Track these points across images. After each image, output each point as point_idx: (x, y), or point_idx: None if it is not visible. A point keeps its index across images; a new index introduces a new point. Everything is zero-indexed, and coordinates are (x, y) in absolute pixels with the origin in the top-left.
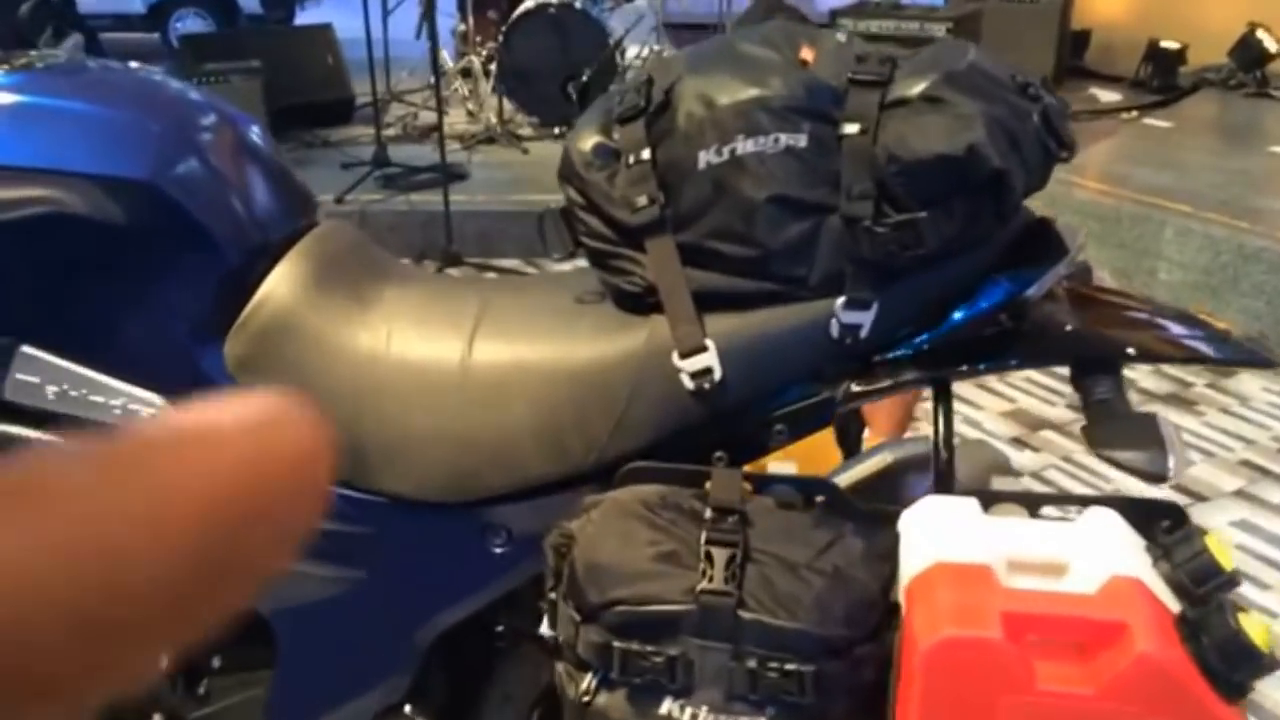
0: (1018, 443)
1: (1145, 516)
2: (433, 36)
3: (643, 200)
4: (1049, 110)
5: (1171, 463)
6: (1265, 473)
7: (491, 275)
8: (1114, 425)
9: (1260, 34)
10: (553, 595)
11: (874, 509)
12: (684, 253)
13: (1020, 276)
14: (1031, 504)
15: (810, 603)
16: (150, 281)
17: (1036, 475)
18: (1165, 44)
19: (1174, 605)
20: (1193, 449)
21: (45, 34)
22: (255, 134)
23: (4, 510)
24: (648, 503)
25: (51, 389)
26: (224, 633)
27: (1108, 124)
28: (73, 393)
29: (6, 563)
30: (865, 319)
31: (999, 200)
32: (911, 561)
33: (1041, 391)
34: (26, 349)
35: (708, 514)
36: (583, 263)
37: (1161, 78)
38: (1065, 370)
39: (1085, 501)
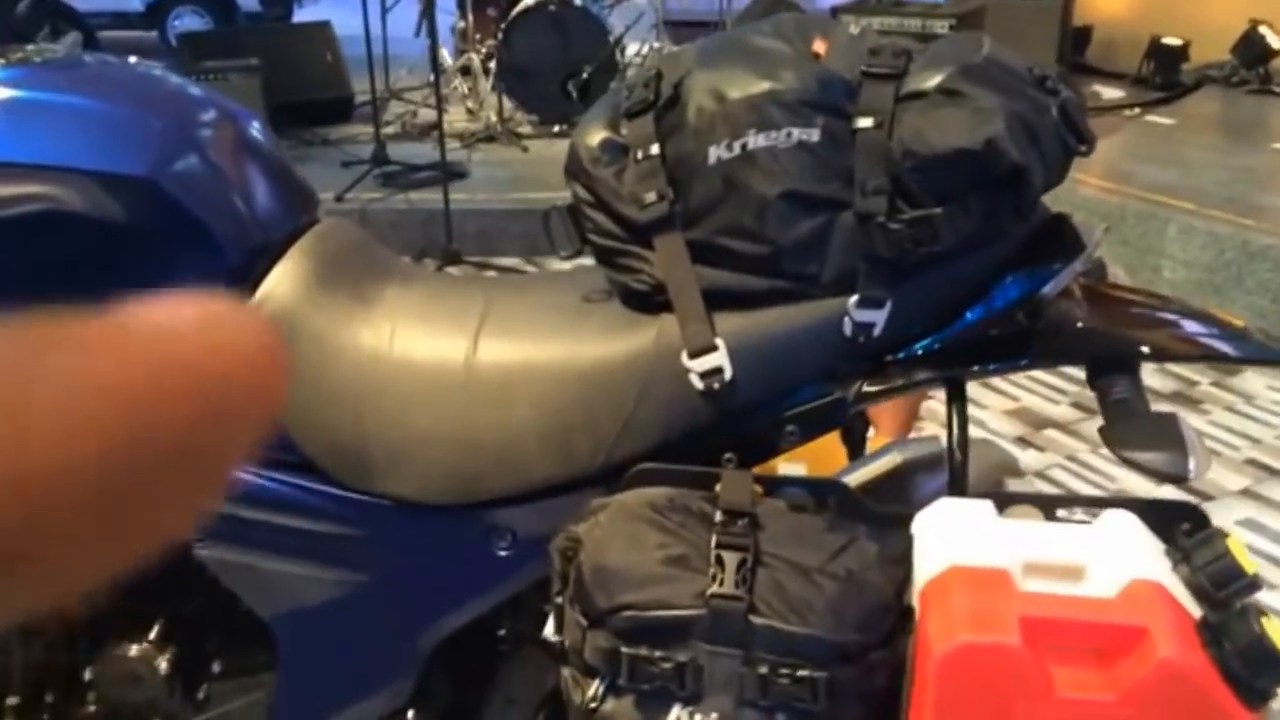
0: (1022, 442)
1: (1164, 518)
2: (432, 34)
3: (651, 196)
4: (1067, 104)
5: (1192, 464)
6: (1271, 471)
7: (492, 274)
8: (1132, 425)
9: (1263, 30)
10: (559, 600)
11: (887, 511)
12: (693, 250)
13: (1036, 274)
14: (1047, 506)
15: (823, 607)
16: (150, 280)
17: (1041, 474)
18: (1167, 40)
19: (1195, 610)
20: None
21: (43, 32)
22: (256, 130)
23: None
24: (656, 505)
25: None
26: (222, 638)
27: (1110, 121)
28: None
29: None
30: (879, 317)
31: (1017, 196)
32: (926, 565)
33: (1045, 390)
34: None
35: (718, 517)
36: (587, 260)
37: (1164, 74)
38: (1070, 369)
39: (1103, 503)
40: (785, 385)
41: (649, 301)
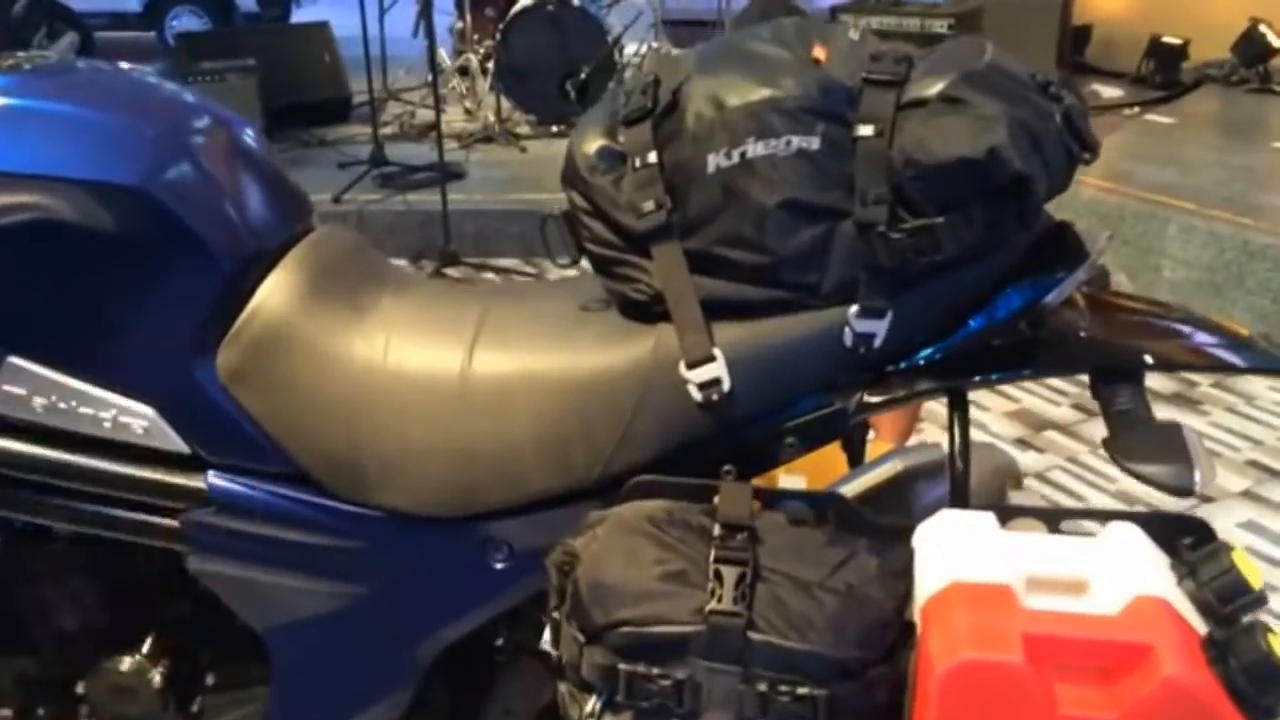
0: (1022, 444)
1: (1168, 531)
2: (430, 34)
3: (649, 205)
4: (1070, 110)
5: (1196, 476)
6: (1272, 473)
7: (490, 275)
8: (1136, 436)
9: (1263, 29)
10: (556, 615)
11: (888, 524)
12: (692, 259)
13: (1039, 283)
14: (1050, 519)
15: (823, 623)
16: (141, 290)
17: (1041, 476)
18: (1167, 39)
19: (1200, 626)
20: None
21: (40, 33)
22: (249, 137)
23: None
24: (654, 519)
25: (40, 401)
26: (216, 650)
27: (1110, 120)
28: (61, 405)
29: None
30: (879, 328)
31: (1021, 205)
32: (927, 580)
33: (1046, 392)
34: (14, 360)
35: (716, 531)
36: (587, 266)
37: (1163, 73)
38: None
39: (1106, 516)
40: (785, 396)
41: (647, 311)
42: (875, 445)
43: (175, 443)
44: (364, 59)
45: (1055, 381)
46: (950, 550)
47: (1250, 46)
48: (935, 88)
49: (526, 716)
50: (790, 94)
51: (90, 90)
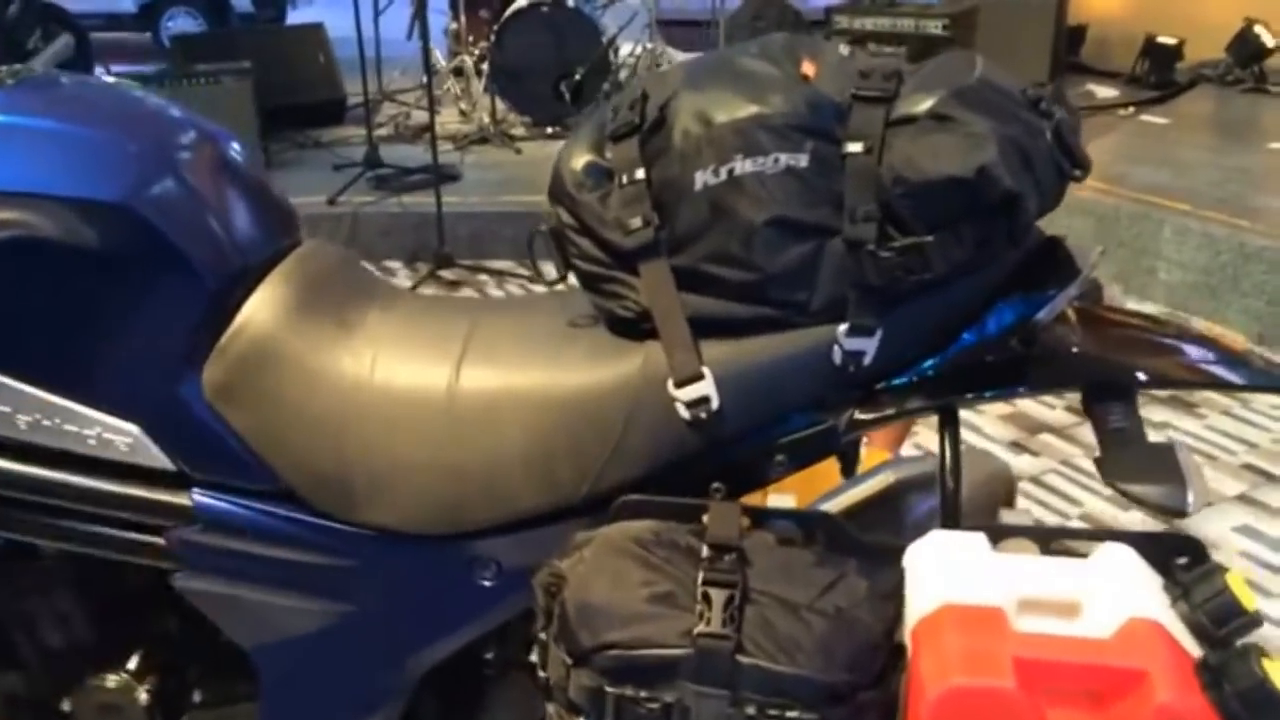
0: (1016, 446)
1: (1162, 551)
2: (424, 36)
3: (637, 222)
4: (1061, 126)
5: (1190, 497)
6: (1268, 477)
7: (484, 277)
8: (1129, 456)
9: (1257, 29)
10: (543, 636)
11: (878, 544)
12: (680, 277)
13: (1030, 299)
14: (1042, 539)
15: (812, 646)
16: (126, 307)
17: (1036, 480)
18: (1162, 39)
19: (1194, 649)
20: (1194, 452)
21: (35, 35)
22: (236, 151)
23: None
24: (641, 540)
25: (23, 418)
26: (203, 667)
27: (1104, 120)
28: (46, 422)
29: None
30: (869, 346)
31: (1011, 224)
32: (918, 602)
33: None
34: None
35: (705, 551)
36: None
37: (1158, 73)
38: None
39: (1099, 536)
40: (774, 414)
41: (635, 328)
42: (869, 453)
43: (160, 460)
44: (359, 60)
45: None
46: (941, 571)
47: (1245, 46)
48: (925, 105)
49: None
50: (778, 111)
51: (73, 105)
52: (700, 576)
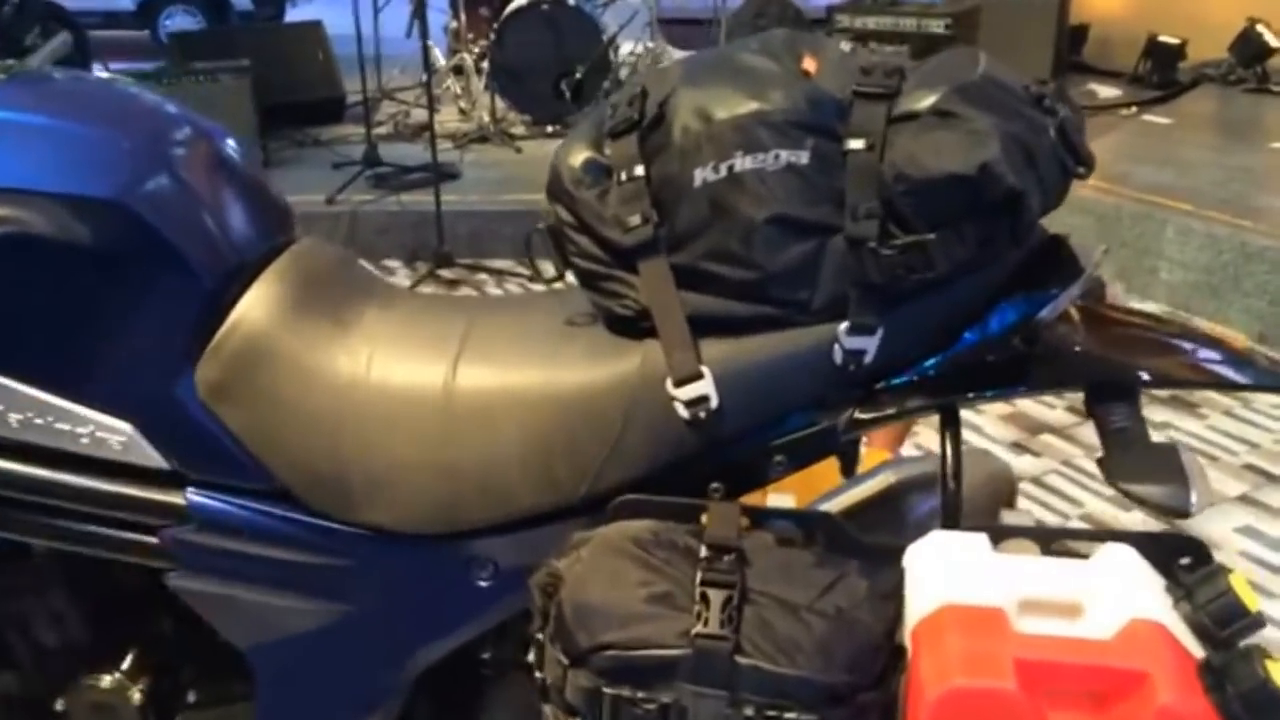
0: (1017, 447)
1: (1164, 552)
2: (424, 34)
3: (635, 220)
4: (1065, 124)
5: (1194, 498)
6: (1270, 477)
7: (484, 276)
8: (1132, 456)
9: (1260, 29)
10: (539, 636)
11: (878, 544)
12: (679, 275)
13: (1033, 298)
14: (1044, 539)
15: (811, 647)
16: (119, 305)
17: (1037, 480)
18: (1164, 39)
19: (1196, 650)
20: (1195, 452)
21: (33, 32)
22: (231, 148)
23: None
24: (639, 540)
25: (15, 417)
26: (197, 667)
27: (1107, 120)
28: (38, 420)
29: None
30: (870, 344)
31: (1014, 222)
32: (918, 602)
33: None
34: None
35: (703, 552)
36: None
37: (1161, 73)
38: None
39: (1101, 537)
40: (773, 414)
41: (634, 327)
42: (869, 453)
43: (154, 459)
44: (358, 58)
45: None
46: (941, 572)
47: (1248, 46)
48: (927, 101)
49: None
50: (779, 107)
51: (67, 101)
52: (699, 577)
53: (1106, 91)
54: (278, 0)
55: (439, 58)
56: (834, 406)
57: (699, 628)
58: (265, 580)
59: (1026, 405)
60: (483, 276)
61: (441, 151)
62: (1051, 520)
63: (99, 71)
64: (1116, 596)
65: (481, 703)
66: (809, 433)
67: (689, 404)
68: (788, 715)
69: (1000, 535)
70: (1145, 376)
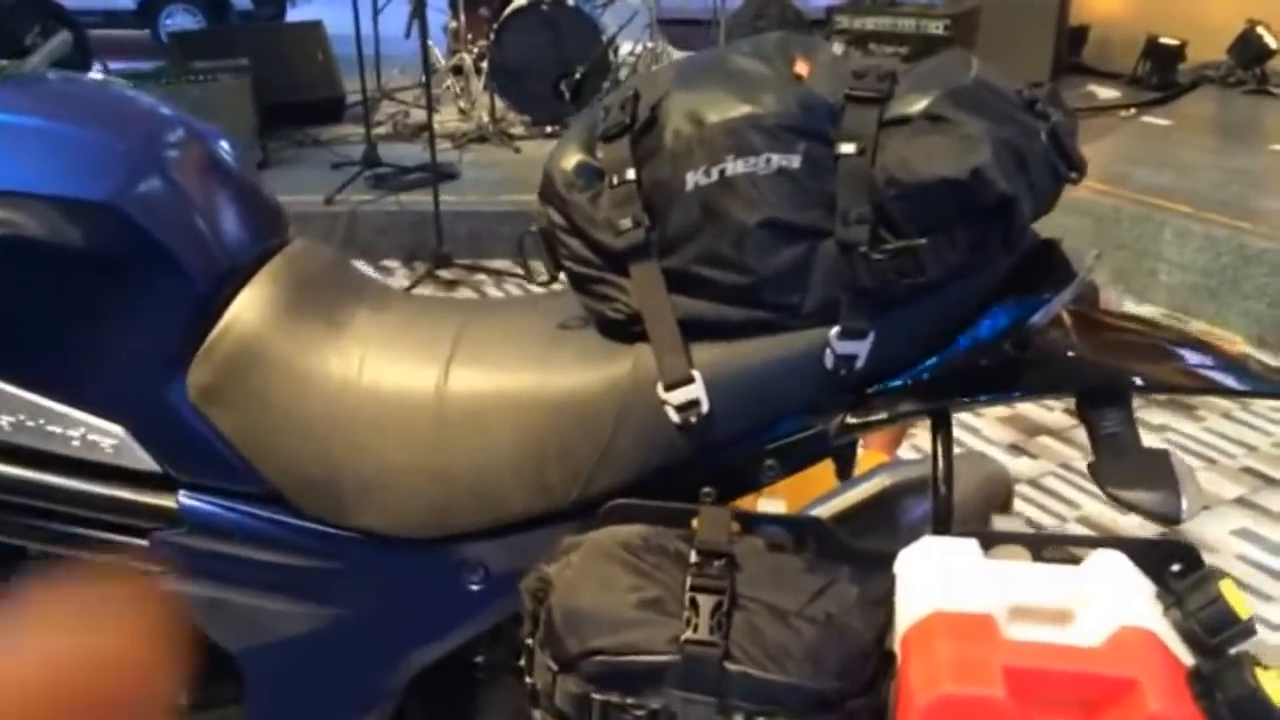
0: (1015, 449)
1: (1155, 558)
2: (423, 34)
3: (627, 223)
4: (1057, 128)
5: (1184, 504)
6: (1267, 480)
7: (482, 276)
8: (1123, 462)
9: (1260, 30)
10: (529, 641)
11: (868, 550)
12: (670, 279)
13: (1024, 303)
14: (1034, 545)
15: (801, 654)
16: (111, 308)
17: (1034, 482)
18: (1164, 40)
19: (1186, 658)
20: (1193, 455)
21: (33, 31)
22: (224, 150)
23: None
24: (629, 545)
25: (6, 419)
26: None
27: (1106, 122)
28: (29, 423)
29: None
30: (861, 349)
31: (1005, 227)
32: (908, 609)
33: None
34: None
35: (693, 557)
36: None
37: (1160, 74)
38: None
39: (1092, 543)
40: (765, 418)
41: (625, 331)
42: (865, 455)
43: (146, 462)
44: (358, 58)
45: None
46: (932, 578)
47: (1247, 48)
48: (919, 105)
49: None
50: (770, 111)
51: (60, 103)
52: (688, 582)
53: (1106, 93)
54: (278, 0)
55: (438, 58)
56: (825, 411)
57: (688, 634)
58: (256, 583)
59: (1024, 407)
60: (481, 277)
61: (440, 152)
62: (1048, 522)
63: (98, 71)
64: (1106, 603)
65: (474, 706)
66: (800, 437)
67: (680, 408)
68: None
69: (991, 541)
70: (1137, 382)
